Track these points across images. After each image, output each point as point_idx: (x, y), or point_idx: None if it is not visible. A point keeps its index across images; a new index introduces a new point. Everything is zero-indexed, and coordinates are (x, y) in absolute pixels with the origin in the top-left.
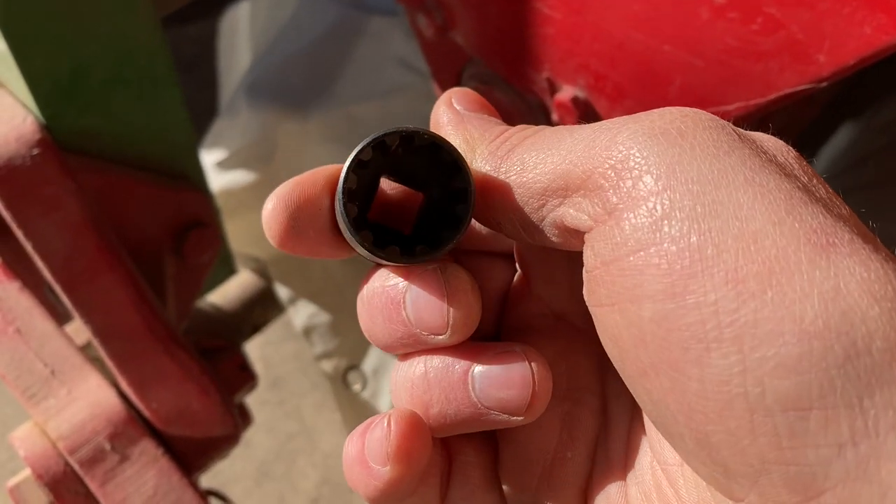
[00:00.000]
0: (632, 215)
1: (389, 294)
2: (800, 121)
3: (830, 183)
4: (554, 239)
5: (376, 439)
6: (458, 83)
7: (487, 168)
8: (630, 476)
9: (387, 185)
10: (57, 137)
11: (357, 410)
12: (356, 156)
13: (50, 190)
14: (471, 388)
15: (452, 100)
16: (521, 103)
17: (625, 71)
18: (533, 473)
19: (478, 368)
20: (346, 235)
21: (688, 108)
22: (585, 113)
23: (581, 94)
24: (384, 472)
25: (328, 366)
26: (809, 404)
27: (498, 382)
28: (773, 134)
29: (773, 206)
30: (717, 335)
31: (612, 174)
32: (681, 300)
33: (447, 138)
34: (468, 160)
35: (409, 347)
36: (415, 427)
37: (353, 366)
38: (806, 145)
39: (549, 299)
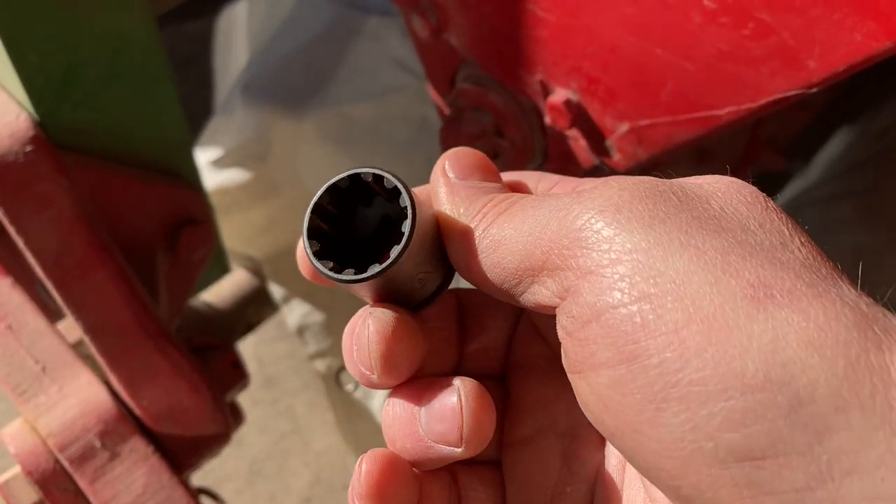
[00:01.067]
0: (584, 289)
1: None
2: (793, 126)
3: (826, 188)
4: (535, 309)
5: (354, 479)
6: (452, 85)
7: (472, 249)
8: None
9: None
10: (50, 134)
11: (349, 410)
12: (307, 226)
13: (43, 187)
14: (419, 423)
15: (445, 166)
16: (514, 105)
17: (617, 74)
18: None
19: (424, 405)
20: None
21: (629, 179)
22: (578, 116)
23: (574, 96)
24: None
25: (321, 365)
26: (762, 454)
27: (435, 416)
28: (777, 151)
29: (710, 266)
30: (665, 395)
31: (566, 253)
32: (630, 365)
33: (442, 208)
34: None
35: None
36: (386, 466)
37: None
38: (800, 151)
39: (552, 339)
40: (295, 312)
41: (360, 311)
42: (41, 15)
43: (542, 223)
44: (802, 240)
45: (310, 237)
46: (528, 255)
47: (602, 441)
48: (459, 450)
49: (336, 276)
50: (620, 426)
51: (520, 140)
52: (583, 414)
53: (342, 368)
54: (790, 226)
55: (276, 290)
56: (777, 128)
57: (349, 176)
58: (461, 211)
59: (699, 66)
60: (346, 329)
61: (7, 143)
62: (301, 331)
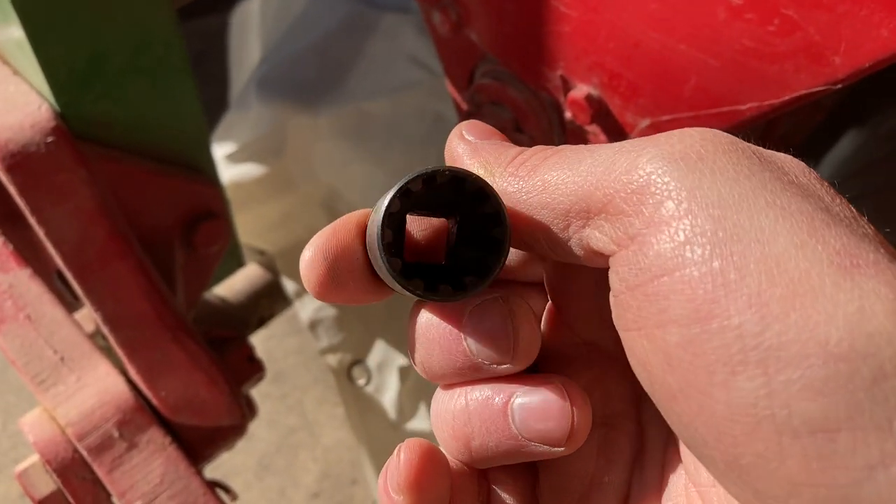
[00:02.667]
0: (654, 240)
1: (447, 326)
2: (807, 126)
3: (837, 188)
4: (581, 257)
5: (391, 469)
6: (471, 80)
7: (511, 190)
8: (665, 498)
9: (411, 222)
10: (71, 126)
11: (361, 405)
12: (387, 209)
13: (63, 178)
14: (511, 420)
15: (463, 132)
16: (534, 101)
17: (640, 70)
18: (571, 499)
19: (518, 400)
20: (393, 286)
21: (708, 131)
22: (599, 111)
23: (595, 92)
24: (399, 500)
25: (333, 360)
26: (837, 426)
27: (537, 414)
28: (789, 151)
29: (796, 229)
30: (742, 359)
31: (634, 198)
32: (705, 325)
33: (465, 167)
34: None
35: (467, 377)
36: (425, 457)
37: (358, 360)
38: (811, 151)
39: (580, 327)
40: (307, 307)
41: (502, 296)
42: (64, 7)
43: (606, 163)
44: (867, 220)
45: (387, 253)
46: (587, 196)
47: (639, 430)
48: (562, 449)
49: (439, 297)
50: (686, 388)
51: (539, 135)
52: (619, 403)
53: (354, 363)
54: (852, 208)
55: (288, 285)
56: (790, 127)
57: (422, 177)
58: (491, 161)
59: (723, 61)
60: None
61: (29, 133)
62: (313, 325)
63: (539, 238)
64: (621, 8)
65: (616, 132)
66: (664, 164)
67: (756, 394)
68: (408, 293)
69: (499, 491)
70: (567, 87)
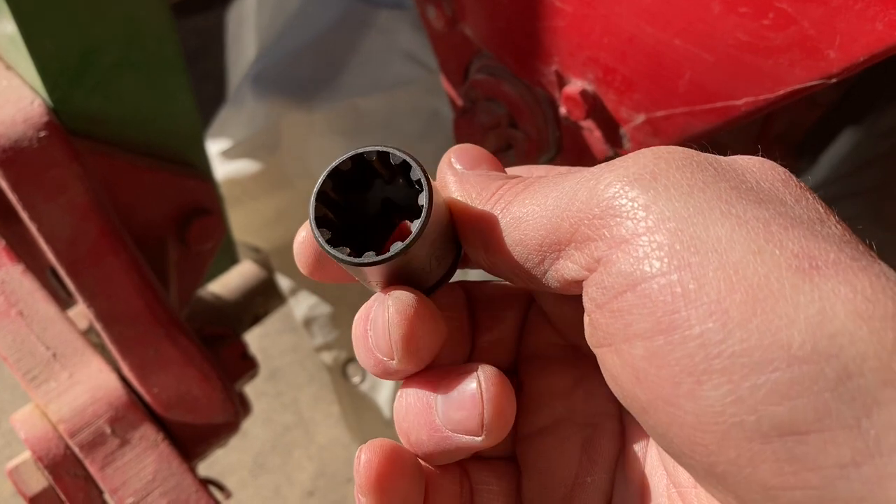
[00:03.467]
0: (616, 259)
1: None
2: (803, 124)
3: (833, 187)
4: (559, 289)
5: (355, 471)
6: (466, 76)
7: (486, 226)
8: (648, 499)
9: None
10: (64, 121)
11: (356, 402)
12: (318, 188)
13: (56, 173)
14: (435, 412)
15: (452, 159)
16: (529, 96)
17: (634, 64)
18: (555, 500)
19: (441, 393)
20: (331, 257)
21: (663, 148)
22: (594, 106)
23: (590, 87)
24: (363, 502)
25: (328, 357)
26: (806, 428)
27: (454, 403)
28: (784, 149)
29: (752, 235)
30: (707, 367)
31: (597, 223)
32: (668, 336)
33: (453, 196)
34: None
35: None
36: (387, 457)
37: (353, 358)
38: (807, 150)
39: (565, 330)
40: (302, 304)
41: (375, 296)
42: (57, 1)
43: (569, 194)
44: (836, 218)
45: (318, 226)
46: (555, 229)
47: (622, 430)
48: (480, 439)
49: (356, 260)
50: (654, 400)
51: (534, 131)
52: (602, 402)
53: (349, 360)
54: (822, 206)
55: (283, 282)
56: (786, 125)
57: (351, 157)
58: (473, 196)
59: (717, 56)
60: (359, 315)
61: (21, 128)
62: (308, 323)
63: (517, 273)
64: (615, 2)
65: (611, 127)
66: (621, 188)
67: (723, 401)
68: (338, 261)
69: (482, 492)
70: (562, 82)
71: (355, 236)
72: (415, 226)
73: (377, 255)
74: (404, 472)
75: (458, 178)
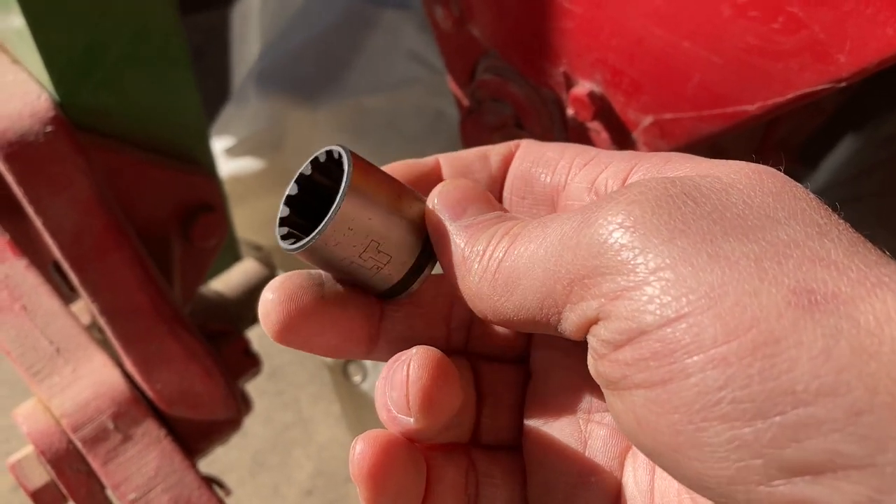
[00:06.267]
0: (611, 315)
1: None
2: (806, 129)
3: (834, 192)
4: (567, 336)
5: (349, 461)
6: (472, 76)
7: (487, 293)
8: (658, 502)
9: None
10: (70, 115)
11: (356, 402)
12: (287, 194)
13: (62, 167)
14: (388, 390)
15: (436, 206)
16: (535, 97)
17: (643, 67)
18: (557, 496)
19: (389, 373)
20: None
21: (634, 190)
22: (601, 108)
23: (597, 89)
24: (360, 492)
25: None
26: (817, 469)
27: (390, 383)
28: (767, 157)
29: (745, 276)
30: (706, 415)
31: (588, 283)
32: (665, 386)
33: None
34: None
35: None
36: (383, 449)
37: None
38: (810, 154)
39: None
40: None
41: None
42: None
43: (555, 256)
44: (840, 228)
45: (287, 203)
46: (551, 292)
47: None
48: (411, 420)
49: (282, 243)
50: (657, 447)
51: (540, 132)
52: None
53: (349, 360)
54: (823, 213)
55: None
56: (790, 130)
57: (296, 181)
58: (466, 255)
59: (727, 59)
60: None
61: (28, 122)
62: None
63: (525, 328)
64: (625, 4)
65: (618, 129)
66: (602, 245)
67: (726, 447)
68: (285, 250)
69: (487, 484)
70: (569, 83)
71: None
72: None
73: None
74: (400, 463)
75: (443, 235)
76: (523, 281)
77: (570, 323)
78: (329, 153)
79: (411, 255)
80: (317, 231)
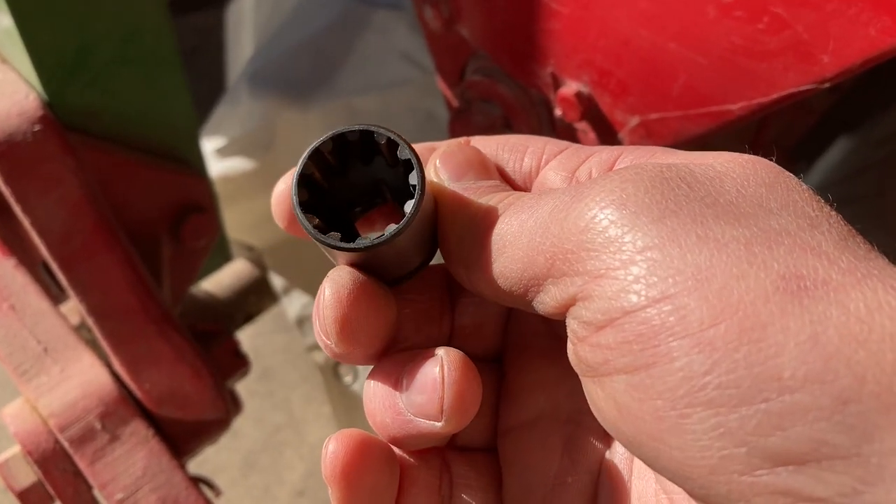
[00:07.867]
0: (594, 295)
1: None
2: (798, 129)
3: (827, 193)
4: (543, 314)
5: (321, 461)
6: (461, 77)
7: (475, 254)
8: (635, 502)
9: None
10: (59, 115)
11: (347, 402)
12: (299, 172)
13: (50, 167)
14: (399, 395)
15: (437, 165)
16: (524, 98)
17: (629, 67)
18: (535, 498)
19: (405, 376)
20: (315, 242)
21: (629, 171)
22: (588, 108)
23: (585, 89)
24: (330, 493)
25: (320, 357)
26: (802, 458)
27: (416, 387)
28: (777, 154)
29: (734, 259)
30: (690, 400)
31: (571, 258)
32: (649, 370)
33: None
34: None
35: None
36: (356, 448)
37: None
38: (802, 155)
39: (554, 323)
40: (295, 303)
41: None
42: None
43: (542, 229)
44: (832, 220)
45: (300, 184)
46: (532, 263)
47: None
48: (439, 424)
49: (321, 237)
50: (638, 435)
51: (528, 132)
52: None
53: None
54: (816, 205)
55: (276, 281)
56: (781, 130)
57: (361, 130)
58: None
59: (712, 59)
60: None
61: (16, 121)
62: (301, 322)
63: (506, 301)
64: (612, 5)
65: (605, 130)
66: (592, 218)
67: (709, 435)
68: (325, 246)
69: (462, 486)
70: (557, 84)
71: (344, 207)
72: (388, 230)
73: (341, 238)
74: (372, 464)
75: (438, 193)
76: (507, 249)
77: (549, 297)
78: (365, 133)
79: (433, 239)
80: (385, 239)
